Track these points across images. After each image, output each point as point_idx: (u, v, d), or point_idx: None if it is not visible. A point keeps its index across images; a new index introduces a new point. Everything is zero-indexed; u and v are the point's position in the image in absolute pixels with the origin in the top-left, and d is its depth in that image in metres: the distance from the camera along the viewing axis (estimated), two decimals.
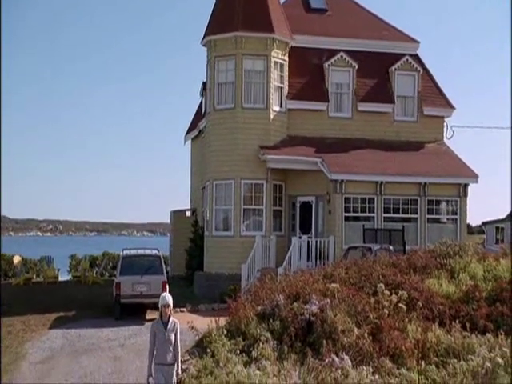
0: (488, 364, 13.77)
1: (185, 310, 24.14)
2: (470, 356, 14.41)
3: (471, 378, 13.57)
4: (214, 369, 13.88)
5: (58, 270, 36.06)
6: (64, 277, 37.90)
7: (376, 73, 31.09)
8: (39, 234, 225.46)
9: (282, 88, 29.79)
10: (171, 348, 11.70)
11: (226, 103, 29.41)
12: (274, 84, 29.39)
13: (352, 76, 30.76)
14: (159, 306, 11.80)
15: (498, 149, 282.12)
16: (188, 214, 38.83)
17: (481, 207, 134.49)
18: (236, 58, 29.01)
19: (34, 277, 37.49)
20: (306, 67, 30.47)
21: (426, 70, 31.78)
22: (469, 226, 58.06)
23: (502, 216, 52.44)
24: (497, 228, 53.06)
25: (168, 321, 11.76)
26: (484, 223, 56.66)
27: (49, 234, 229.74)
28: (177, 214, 39.15)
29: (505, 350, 14.56)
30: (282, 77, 29.82)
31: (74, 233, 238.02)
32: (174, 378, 11.82)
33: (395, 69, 31.01)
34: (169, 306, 11.74)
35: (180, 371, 12.19)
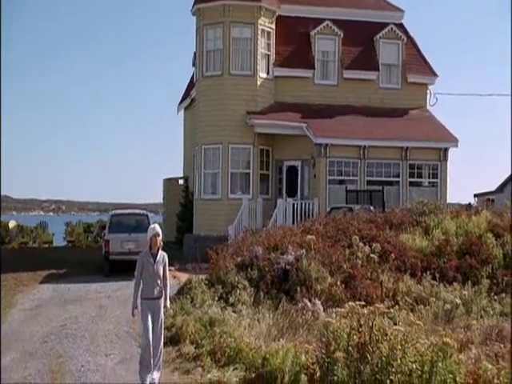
0: (448, 305, 14.69)
1: (172, 268, 24.72)
2: (432, 299, 15.29)
3: (433, 317, 14.44)
4: (190, 309, 14.77)
5: (53, 234, 36.82)
6: (60, 244, 38.68)
7: (361, 41, 31.61)
8: (42, 213, 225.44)
9: (269, 55, 30.40)
10: (159, 281, 11.12)
11: (214, 70, 30.03)
12: (261, 51, 29.99)
13: (338, 44, 31.33)
14: (148, 238, 11.21)
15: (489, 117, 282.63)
16: (181, 182, 38.98)
17: (475, 181, 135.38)
18: (224, 26, 29.59)
19: (30, 243, 38.22)
20: (292, 35, 31.00)
21: (410, 38, 32.30)
22: (469, 204, 58.39)
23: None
24: (488, 200, 53.62)
25: (157, 253, 11.16)
26: (475, 195, 57.25)
27: (51, 213, 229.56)
28: (169, 182, 39.31)
29: (464, 292, 15.46)
30: (269, 44, 30.42)
31: (76, 213, 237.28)
32: (162, 314, 11.26)
33: (380, 37, 31.57)
34: (159, 235, 11.18)
35: (168, 304, 11.54)
